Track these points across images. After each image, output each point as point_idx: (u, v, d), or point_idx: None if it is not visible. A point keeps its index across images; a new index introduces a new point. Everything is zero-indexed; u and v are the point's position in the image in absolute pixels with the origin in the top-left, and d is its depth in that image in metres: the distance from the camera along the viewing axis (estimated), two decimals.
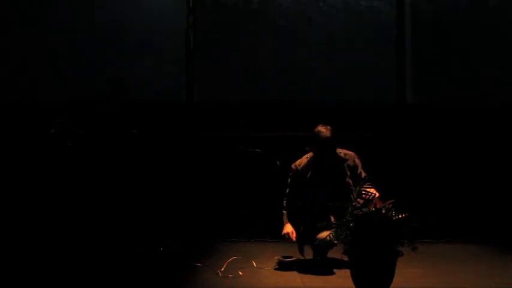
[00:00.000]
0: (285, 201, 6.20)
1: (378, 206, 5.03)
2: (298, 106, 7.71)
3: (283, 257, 6.13)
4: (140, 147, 7.24)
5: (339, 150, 6.17)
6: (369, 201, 5.30)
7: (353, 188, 5.86)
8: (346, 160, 6.15)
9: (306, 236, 6.01)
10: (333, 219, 5.52)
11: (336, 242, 5.16)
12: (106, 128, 7.24)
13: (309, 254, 6.06)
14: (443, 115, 7.75)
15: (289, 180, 6.23)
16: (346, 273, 5.21)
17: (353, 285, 4.96)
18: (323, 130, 6.05)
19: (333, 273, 5.74)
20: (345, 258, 5.17)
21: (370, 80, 7.84)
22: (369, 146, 7.04)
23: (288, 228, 6.08)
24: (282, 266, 6.00)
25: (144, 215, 6.96)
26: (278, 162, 6.74)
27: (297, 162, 6.23)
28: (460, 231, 7.11)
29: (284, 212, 6.16)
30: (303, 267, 5.94)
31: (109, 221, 6.80)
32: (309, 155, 6.21)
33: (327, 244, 5.58)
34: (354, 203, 5.11)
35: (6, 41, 7.82)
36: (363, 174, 6.11)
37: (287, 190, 6.22)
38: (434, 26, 7.88)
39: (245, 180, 7.25)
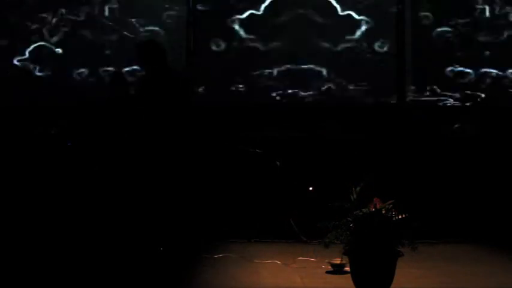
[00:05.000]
0: None
1: (377, 207, 5.03)
2: (298, 106, 7.71)
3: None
4: (140, 147, 7.23)
5: None
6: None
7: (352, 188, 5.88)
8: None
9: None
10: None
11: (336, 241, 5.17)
12: (106, 128, 7.24)
13: (310, 254, 6.08)
14: (442, 115, 7.76)
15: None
16: (346, 273, 5.22)
17: (353, 285, 4.96)
18: None
19: (333, 273, 5.74)
20: (345, 258, 5.18)
21: (370, 80, 7.85)
22: (368, 146, 7.05)
23: None
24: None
25: (143, 215, 6.95)
26: (278, 163, 6.74)
27: None
28: (460, 231, 7.11)
29: None
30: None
31: (109, 221, 6.80)
32: None
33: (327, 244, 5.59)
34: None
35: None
36: None
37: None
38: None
39: (245, 181, 7.24)
